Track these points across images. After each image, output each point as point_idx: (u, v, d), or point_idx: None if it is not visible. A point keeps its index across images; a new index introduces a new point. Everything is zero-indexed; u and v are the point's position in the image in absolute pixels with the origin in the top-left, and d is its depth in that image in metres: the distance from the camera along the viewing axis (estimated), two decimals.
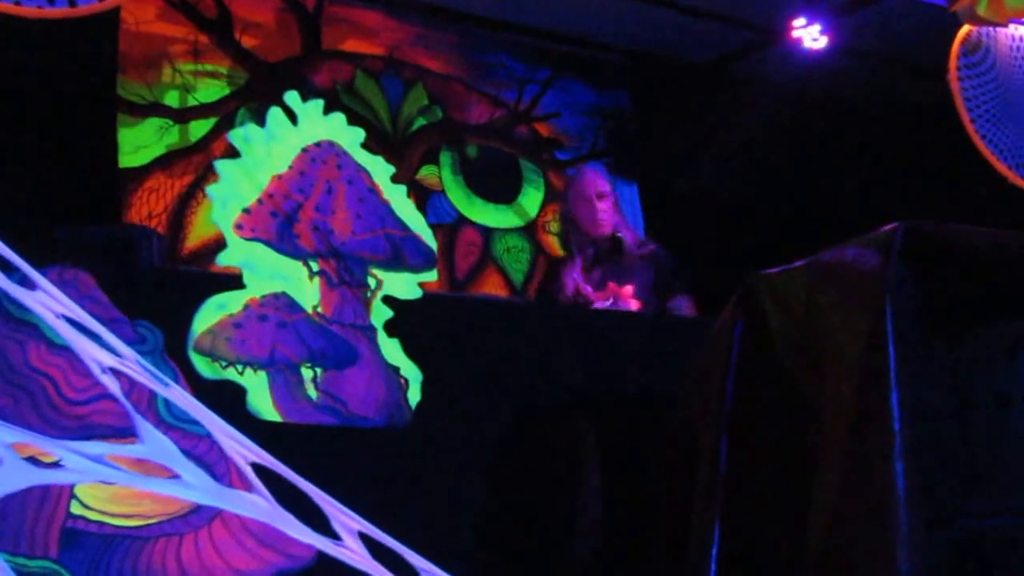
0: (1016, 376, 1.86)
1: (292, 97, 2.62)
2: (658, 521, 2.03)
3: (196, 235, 5.15)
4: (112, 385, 1.34)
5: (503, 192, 6.03)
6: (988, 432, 1.80)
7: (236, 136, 2.56)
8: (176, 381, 2.31)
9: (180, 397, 1.43)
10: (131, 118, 5.15)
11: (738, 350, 1.91)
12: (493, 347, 2.65)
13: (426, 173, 5.87)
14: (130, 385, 2.32)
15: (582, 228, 3.62)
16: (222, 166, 2.54)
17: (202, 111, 5.28)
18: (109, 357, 1.35)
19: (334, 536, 1.17)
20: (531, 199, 6.06)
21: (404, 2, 5.71)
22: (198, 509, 2.22)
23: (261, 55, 5.44)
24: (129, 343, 2.31)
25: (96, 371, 1.37)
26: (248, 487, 1.15)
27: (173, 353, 2.30)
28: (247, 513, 1.11)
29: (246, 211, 2.50)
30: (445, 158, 5.94)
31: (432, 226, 5.62)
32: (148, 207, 5.02)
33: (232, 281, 2.43)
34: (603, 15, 5.96)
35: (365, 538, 1.17)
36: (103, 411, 2.23)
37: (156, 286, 2.43)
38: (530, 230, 5.99)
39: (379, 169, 2.69)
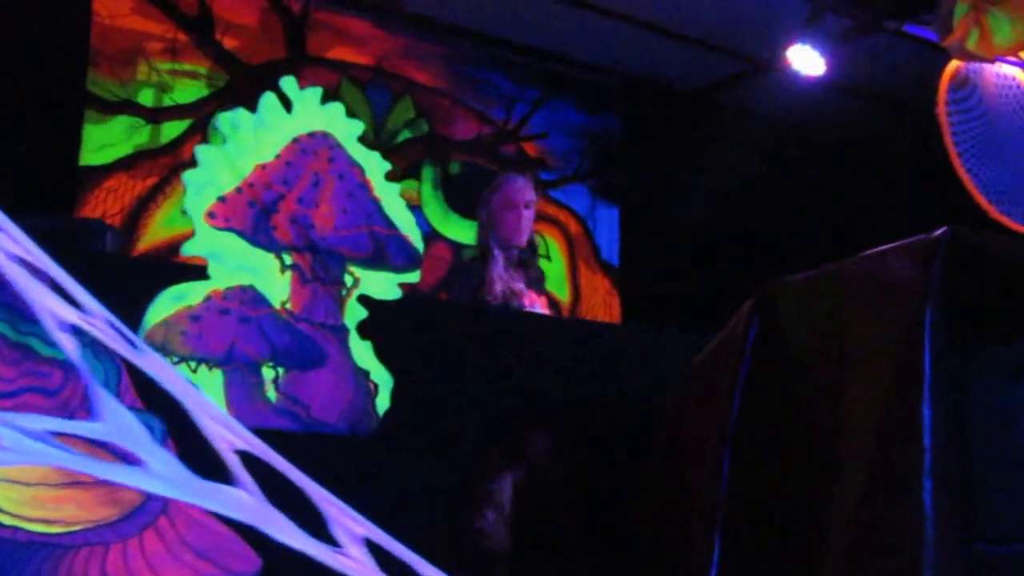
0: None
1: (289, 83, 2.46)
2: (652, 542, 1.84)
3: (148, 239, 4.94)
4: (70, 346, 1.15)
5: None
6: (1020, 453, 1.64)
7: (224, 121, 2.37)
8: (119, 377, 2.11)
9: (157, 365, 1.23)
10: (100, 115, 4.95)
11: (750, 360, 1.74)
12: (473, 354, 2.48)
13: (405, 187, 5.69)
14: (64, 379, 2.13)
15: (503, 233, 3.57)
16: (202, 151, 2.36)
17: (177, 112, 5.09)
18: (72, 312, 1.15)
19: (333, 542, 0.98)
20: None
21: (393, 12, 5.58)
22: (129, 516, 2.01)
23: (243, 57, 5.27)
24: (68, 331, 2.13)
25: (52, 327, 1.16)
26: (231, 480, 0.96)
27: None
28: (226, 511, 0.92)
29: (221, 199, 2.31)
30: (427, 173, 5.79)
31: None
32: (104, 208, 4.81)
33: (195, 271, 2.24)
34: (595, 38, 5.86)
35: (373, 546, 0.99)
36: (30, 407, 2.01)
37: (107, 272, 2.23)
38: None
39: (373, 165, 2.52)
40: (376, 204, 2.43)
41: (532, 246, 3.65)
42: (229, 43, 5.21)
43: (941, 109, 4.52)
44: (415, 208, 5.73)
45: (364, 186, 2.42)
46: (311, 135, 2.40)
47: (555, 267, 6.10)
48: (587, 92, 6.25)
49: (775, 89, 5.94)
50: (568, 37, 5.83)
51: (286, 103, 2.37)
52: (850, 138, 6.48)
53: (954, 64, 4.51)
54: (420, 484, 2.34)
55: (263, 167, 2.32)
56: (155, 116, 5.11)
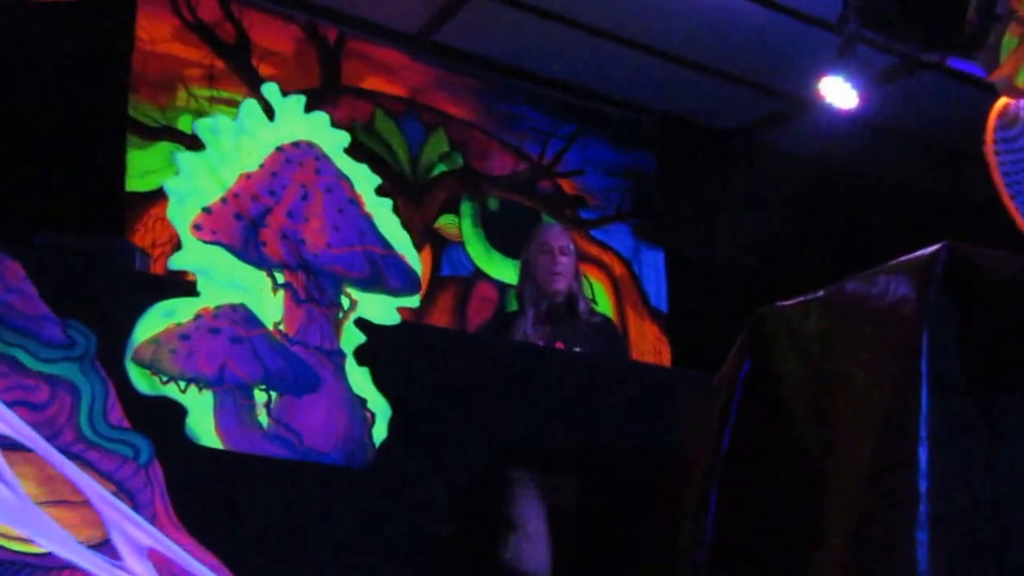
0: None
1: (270, 89, 2.39)
2: None
3: None
4: None
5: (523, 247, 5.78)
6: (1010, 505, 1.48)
7: (202, 127, 2.31)
8: (106, 394, 2.04)
9: None
10: (142, 140, 4.96)
11: (741, 394, 1.62)
12: (474, 386, 2.37)
13: (445, 222, 5.63)
14: (50, 394, 2.06)
15: (539, 280, 3.47)
16: (183, 159, 2.29)
17: (197, 145, 5.08)
18: None
19: (112, 554, 0.87)
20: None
21: (427, 43, 5.56)
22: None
23: (278, 85, 5.26)
24: (56, 345, 2.06)
25: None
26: None
27: (107, 361, 2.03)
28: None
29: (206, 210, 2.24)
30: (466, 208, 5.71)
31: (446, 278, 5.49)
32: (152, 236, 4.78)
33: (184, 287, 2.18)
34: (630, 74, 5.80)
35: (158, 559, 0.88)
36: None
37: (96, 283, 2.17)
38: None
39: (363, 178, 2.42)
40: (368, 221, 2.34)
41: (572, 300, 3.48)
42: (265, 70, 5.21)
43: (989, 148, 4.37)
44: (456, 245, 5.64)
45: (355, 201, 2.34)
46: (295, 144, 2.32)
47: (601, 311, 5.93)
48: (620, 128, 6.15)
49: (815, 128, 5.81)
50: (602, 72, 5.77)
51: (268, 109, 2.29)
52: (894, 179, 6.32)
53: (1003, 101, 4.36)
54: (418, 521, 2.23)
55: (248, 176, 2.25)
56: (193, 143, 5.10)
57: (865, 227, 6.04)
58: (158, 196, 4.92)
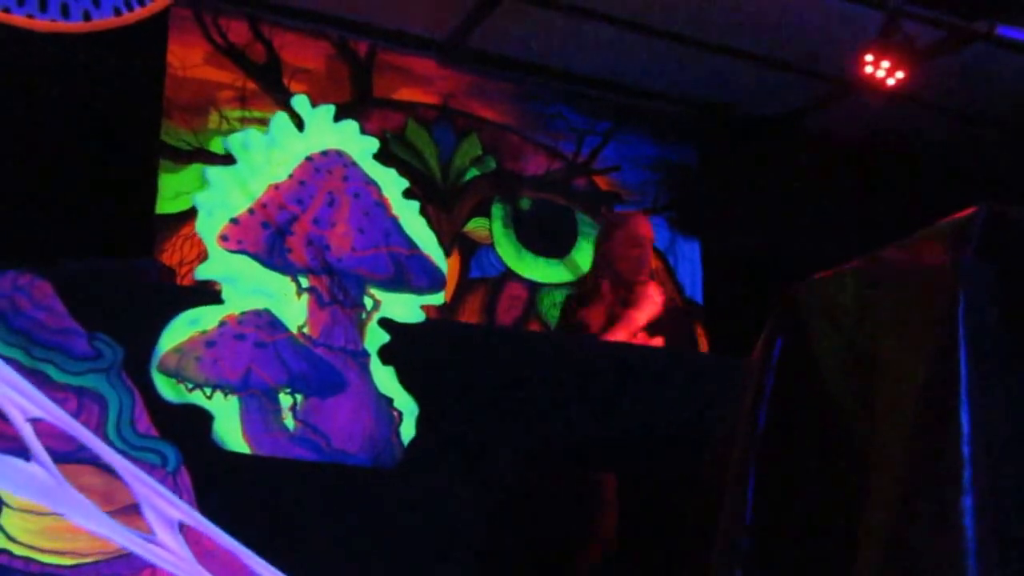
0: None
1: (300, 102, 2.41)
2: (689, 561, 1.66)
3: None
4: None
5: (555, 246, 5.75)
6: None
7: (234, 141, 2.34)
8: (133, 403, 2.04)
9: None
10: (174, 164, 5.04)
11: (776, 371, 1.56)
12: (500, 380, 2.33)
13: (475, 226, 5.63)
14: (78, 405, 2.07)
15: (620, 269, 3.46)
16: (213, 173, 2.33)
17: (228, 160, 5.14)
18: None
19: (145, 529, 0.86)
20: (585, 253, 5.74)
21: (459, 50, 5.55)
22: None
23: (311, 101, 5.30)
24: (83, 358, 2.07)
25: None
26: (26, 454, 0.85)
27: (133, 372, 2.04)
28: (14, 488, 0.81)
29: (234, 221, 2.26)
30: (497, 210, 5.70)
31: (475, 280, 5.48)
32: (181, 254, 4.86)
33: (209, 296, 2.18)
34: (666, 66, 5.72)
35: (188, 532, 0.87)
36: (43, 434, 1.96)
37: (122, 297, 2.18)
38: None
39: (390, 182, 2.43)
40: (395, 223, 2.33)
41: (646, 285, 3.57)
42: (296, 88, 5.26)
43: None
44: (487, 247, 5.64)
45: (381, 204, 2.33)
46: (324, 153, 2.33)
47: None
48: (659, 122, 6.10)
49: (860, 110, 5.68)
50: (636, 66, 5.71)
51: (298, 122, 2.30)
52: (943, 159, 6.14)
53: None
54: (448, 521, 2.20)
55: (276, 187, 2.26)
56: (225, 163, 5.16)
57: (913, 210, 5.89)
58: (188, 216, 5.00)
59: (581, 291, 3.78)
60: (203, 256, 4.75)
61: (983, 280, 1.30)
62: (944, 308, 1.29)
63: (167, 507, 0.89)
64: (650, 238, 3.61)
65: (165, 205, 4.97)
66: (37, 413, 0.89)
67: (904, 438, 1.28)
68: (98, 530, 0.83)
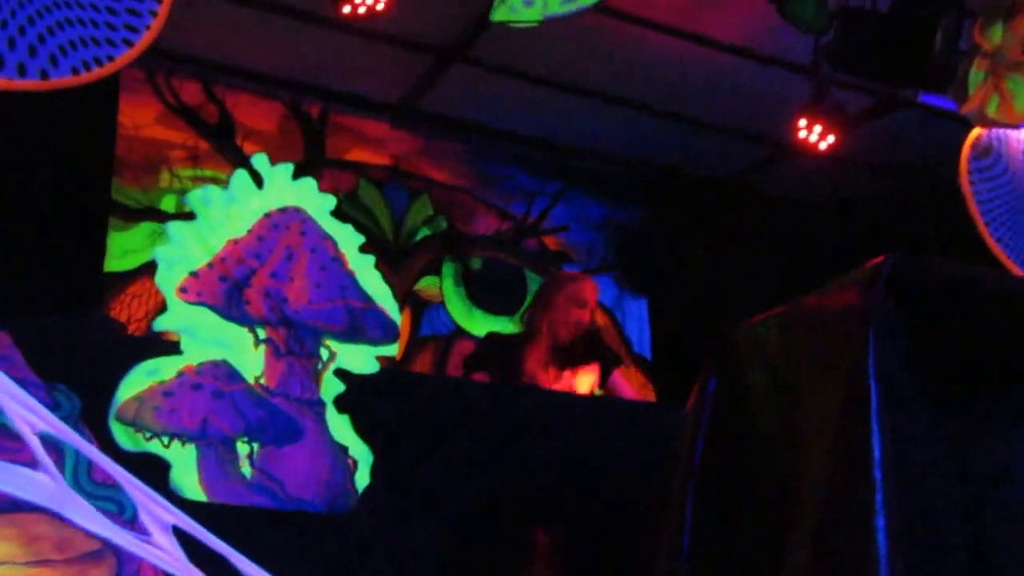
0: (1019, 447, 1.57)
1: (260, 160, 2.49)
2: None
3: None
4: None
5: (505, 304, 5.84)
6: (985, 508, 1.50)
7: (195, 197, 2.41)
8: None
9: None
10: (124, 222, 5.06)
11: (710, 409, 1.65)
12: (455, 429, 2.39)
13: (426, 284, 5.70)
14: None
15: (555, 328, 3.57)
16: (173, 227, 2.39)
17: (188, 215, 5.18)
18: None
19: (141, 531, 0.92)
20: (523, 311, 5.85)
21: (411, 113, 5.67)
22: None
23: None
24: None
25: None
26: (32, 462, 0.91)
27: (90, 421, 2.06)
28: (24, 494, 0.86)
29: (193, 274, 2.32)
30: (448, 269, 5.79)
31: (426, 337, 5.54)
32: (129, 312, 4.86)
33: (168, 346, 2.22)
34: (614, 129, 5.89)
35: (181, 535, 0.92)
36: None
37: (79, 348, 2.21)
38: None
39: (346, 238, 2.51)
40: (351, 277, 2.40)
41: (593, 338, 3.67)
42: (249, 148, 5.31)
43: (964, 178, 4.45)
44: (437, 305, 5.71)
45: (337, 259, 2.40)
46: (282, 210, 2.40)
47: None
48: (607, 183, 6.25)
49: (798, 171, 5.89)
50: (585, 130, 5.87)
51: (257, 179, 2.37)
52: (878, 216, 6.37)
53: (975, 132, 4.45)
54: (402, 566, 2.24)
55: (235, 242, 2.32)
56: (182, 220, 5.19)
57: (847, 262, 6.08)
58: (137, 274, 5.02)
59: (512, 339, 3.82)
60: (154, 312, 4.80)
61: (891, 320, 1.41)
62: (856, 345, 1.39)
63: (161, 512, 0.95)
64: (593, 305, 3.68)
65: (114, 263, 4.97)
66: (44, 427, 0.95)
67: (823, 464, 1.37)
68: (101, 533, 0.89)
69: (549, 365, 3.48)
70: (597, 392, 3.48)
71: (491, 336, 4.11)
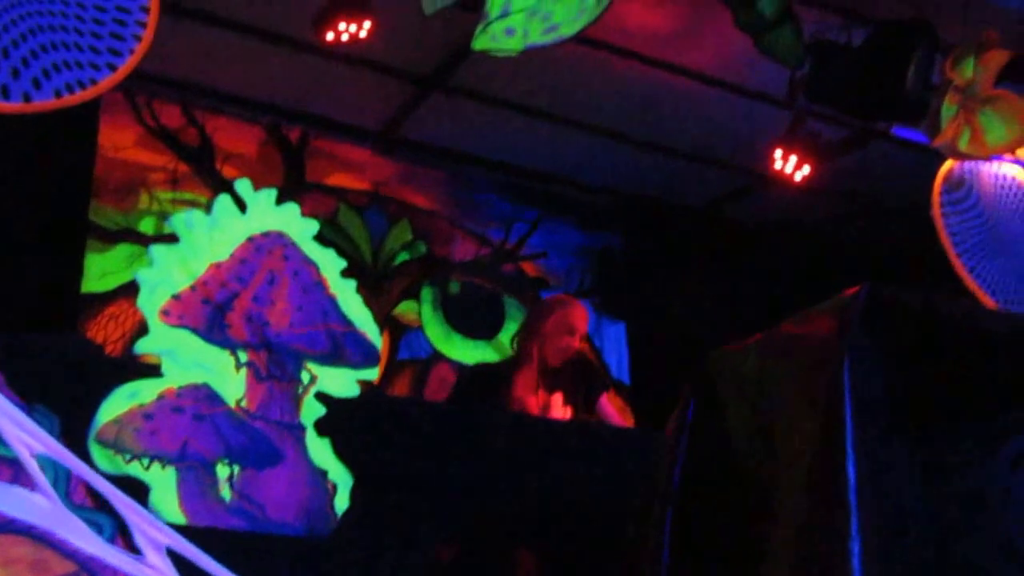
0: (993, 475, 1.61)
1: (243, 185, 2.50)
2: None
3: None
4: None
5: (483, 329, 5.86)
6: (959, 534, 1.53)
7: (178, 221, 2.42)
8: (69, 474, 2.06)
9: None
10: (102, 243, 5.05)
11: (688, 434, 1.67)
12: (435, 453, 2.40)
13: (405, 309, 5.72)
14: (12, 476, 2.08)
15: (545, 353, 3.60)
16: (156, 251, 2.39)
17: (171, 239, 5.17)
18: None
19: (134, 550, 0.93)
20: (513, 335, 5.87)
21: (392, 139, 5.70)
22: None
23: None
24: None
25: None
26: (30, 484, 0.92)
27: (69, 443, 2.05)
28: (21, 514, 0.88)
29: (175, 297, 2.33)
30: (426, 294, 5.81)
31: (404, 361, 5.55)
32: (105, 333, 4.84)
33: (149, 369, 2.23)
34: (593, 158, 5.95)
35: (174, 556, 0.94)
36: None
37: (60, 370, 2.21)
38: None
39: (328, 262, 2.53)
40: (332, 301, 2.41)
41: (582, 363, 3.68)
42: (229, 172, 5.32)
43: (936, 211, 4.52)
44: (415, 330, 5.72)
45: (319, 283, 2.42)
46: (265, 234, 2.42)
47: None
48: (585, 210, 6.31)
49: (774, 200, 5.97)
50: (564, 158, 5.92)
51: (240, 204, 2.39)
52: (843, 243, 6.46)
53: (948, 165, 4.53)
54: None
55: (217, 266, 2.33)
56: (161, 243, 5.19)
57: (821, 289, 6.15)
58: (113, 296, 5.00)
59: (501, 366, 3.87)
60: (130, 334, 4.77)
61: (866, 349, 1.45)
62: (832, 374, 1.43)
63: (156, 533, 0.96)
64: (582, 332, 3.72)
65: (91, 284, 4.95)
66: (40, 449, 0.96)
67: (800, 489, 1.40)
68: (94, 551, 0.90)
69: (539, 390, 3.51)
70: (585, 417, 3.51)
71: (481, 364, 4.15)
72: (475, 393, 3.61)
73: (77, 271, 4.86)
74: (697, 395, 1.73)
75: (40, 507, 0.91)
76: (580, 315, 3.77)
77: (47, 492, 0.91)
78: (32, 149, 4.62)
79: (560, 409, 3.47)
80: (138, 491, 2.08)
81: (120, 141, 5.13)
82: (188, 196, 5.27)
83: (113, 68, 2.82)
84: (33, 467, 0.95)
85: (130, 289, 5.02)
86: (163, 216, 5.21)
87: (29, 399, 2.06)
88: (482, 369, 3.94)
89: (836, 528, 1.31)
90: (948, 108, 4.24)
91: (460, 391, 3.59)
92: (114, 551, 0.91)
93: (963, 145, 4.30)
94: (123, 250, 5.08)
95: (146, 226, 5.18)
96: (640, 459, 2.54)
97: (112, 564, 0.91)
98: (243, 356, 2.30)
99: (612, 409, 3.68)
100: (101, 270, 5.00)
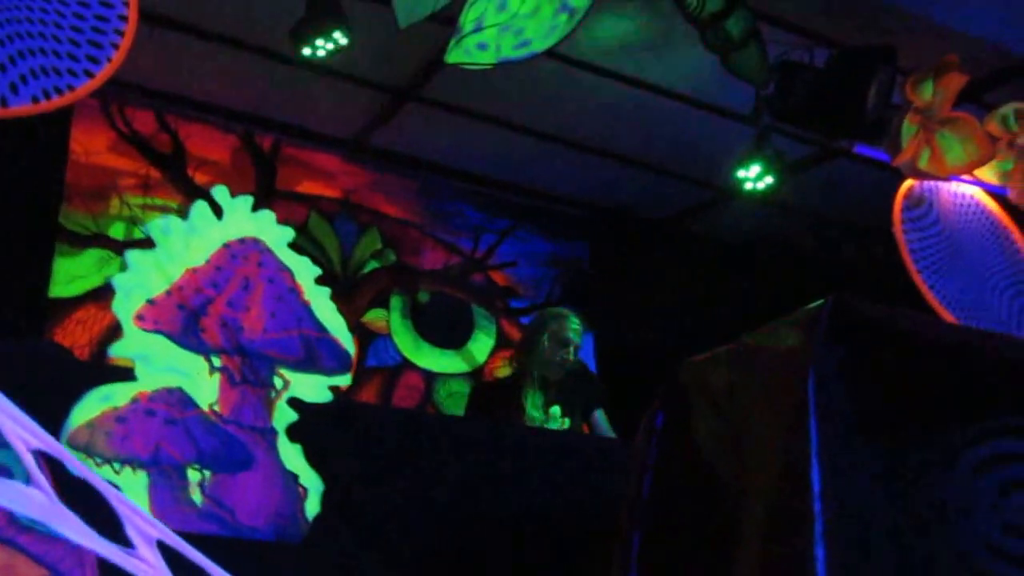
0: (955, 484, 1.68)
1: (220, 191, 2.53)
2: None
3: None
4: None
5: (452, 337, 5.91)
6: (922, 543, 1.60)
7: (154, 227, 2.44)
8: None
9: None
10: (71, 248, 5.04)
11: (657, 444, 1.73)
12: (406, 460, 2.45)
13: (374, 316, 5.75)
14: None
15: (548, 364, 3.68)
16: (132, 256, 2.41)
17: (147, 244, 5.17)
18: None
19: (125, 543, 0.97)
20: (481, 345, 5.93)
21: (362, 147, 5.74)
22: None
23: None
24: None
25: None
26: (26, 479, 0.96)
27: None
28: (17, 507, 0.91)
29: (150, 302, 2.35)
30: (395, 302, 5.85)
31: (372, 369, 5.59)
32: (72, 339, 4.83)
33: (123, 373, 2.25)
34: (562, 170, 6.03)
35: (164, 548, 0.98)
36: None
37: (31, 373, 2.23)
38: (476, 376, 5.82)
39: (303, 269, 2.56)
40: (306, 308, 2.45)
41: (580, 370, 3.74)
42: (200, 178, 5.34)
43: (897, 227, 4.63)
44: (384, 337, 5.75)
45: (294, 290, 2.45)
46: (241, 241, 2.45)
47: None
48: (554, 221, 6.38)
49: (739, 214, 6.08)
50: (534, 169, 5.99)
51: (217, 210, 2.42)
52: (805, 257, 6.58)
53: (908, 183, 4.64)
54: None
55: (193, 271, 2.36)
56: (125, 249, 5.19)
57: (783, 301, 6.26)
58: (81, 301, 4.99)
59: (499, 380, 3.91)
60: (97, 339, 4.80)
61: (831, 360, 1.50)
62: (798, 384, 1.49)
63: (146, 526, 1.00)
64: (577, 344, 3.77)
65: (59, 288, 4.95)
66: (37, 444, 1.00)
67: (766, 498, 1.46)
68: (88, 544, 0.94)
69: (541, 406, 3.57)
70: (584, 429, 3.59)
71: (489, 380, 4.19)
72: (485, 408, 3.67)
73: (45, 276, 4.86)
74: (666, 405, 1.78)
75: (36, 501, 0.95)
76: (576, 328, 3.83)
77: (43, 487, 0.95)
78: (2, 153, 4.62)
79: (561, 422, 3.57)
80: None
81: (92, 146, 5.14)
82: (159, 202, 5.28)
83: (91, 75, 2.84)
84: (30, 462, 0.98)
85: (99, 294, 5.03)
86: (134, 221, 5.21)
87: None
88: (490, 384, 3.99)
89: (802, 536, 1.37)
90: (908, 128, 4.36)
91: (472, 407, 3.66)
92: (107, 545, 0.95)
93: (923, 164, 4.41)
94: (92, 255, 5.08)
95: (116, 231, 5.18)
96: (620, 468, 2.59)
97: (106, 557, 0.95)
98: (217, 361, 2.33)
99: (605, 424, 3.73)
100: (69, 275, 4.99)
